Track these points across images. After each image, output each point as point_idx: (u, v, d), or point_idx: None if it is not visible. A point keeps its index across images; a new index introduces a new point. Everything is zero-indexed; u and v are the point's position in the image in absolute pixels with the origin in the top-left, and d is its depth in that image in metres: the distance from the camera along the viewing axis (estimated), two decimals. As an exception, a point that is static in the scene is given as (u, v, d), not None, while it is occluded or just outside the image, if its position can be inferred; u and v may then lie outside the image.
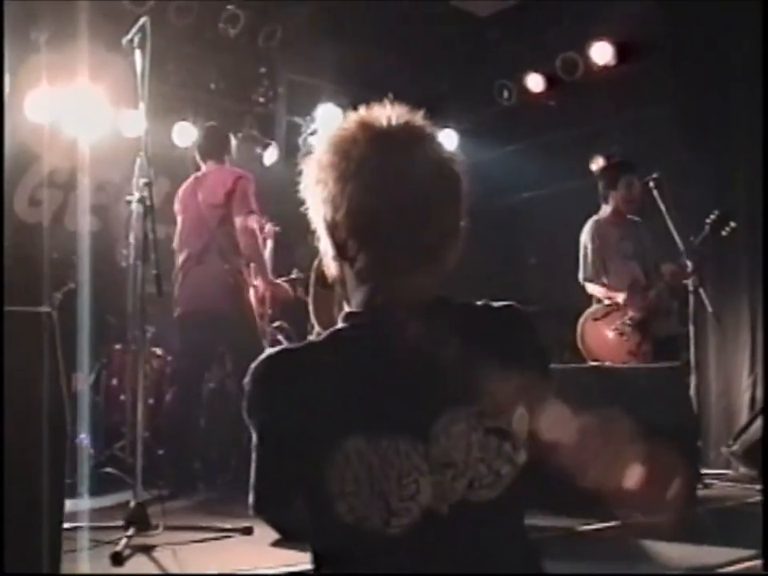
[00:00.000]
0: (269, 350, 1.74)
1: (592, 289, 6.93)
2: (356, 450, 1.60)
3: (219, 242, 6.36)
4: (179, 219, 6.66)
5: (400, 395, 1.64)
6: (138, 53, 4.85)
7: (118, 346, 7.02)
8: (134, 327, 6.04)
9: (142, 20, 4.83)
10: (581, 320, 6.80)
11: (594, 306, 6.89)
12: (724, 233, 6.60)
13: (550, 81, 8.93)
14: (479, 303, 1.81)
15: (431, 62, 8.94)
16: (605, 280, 6.88)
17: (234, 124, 8.59)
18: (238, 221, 6.34)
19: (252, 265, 6.53)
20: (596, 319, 6.76)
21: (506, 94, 9.27)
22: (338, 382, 1.65)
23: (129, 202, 4.82)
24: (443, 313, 1.74)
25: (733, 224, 6.57)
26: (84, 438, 6.69)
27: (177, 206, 6.71)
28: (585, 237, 7.03)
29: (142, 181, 4.69)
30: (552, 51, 8.81)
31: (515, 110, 9.28)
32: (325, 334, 1.76)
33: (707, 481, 6.27)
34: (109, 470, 6.14)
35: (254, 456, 1.71)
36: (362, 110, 1.75)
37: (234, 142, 6.90)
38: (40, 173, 7.84)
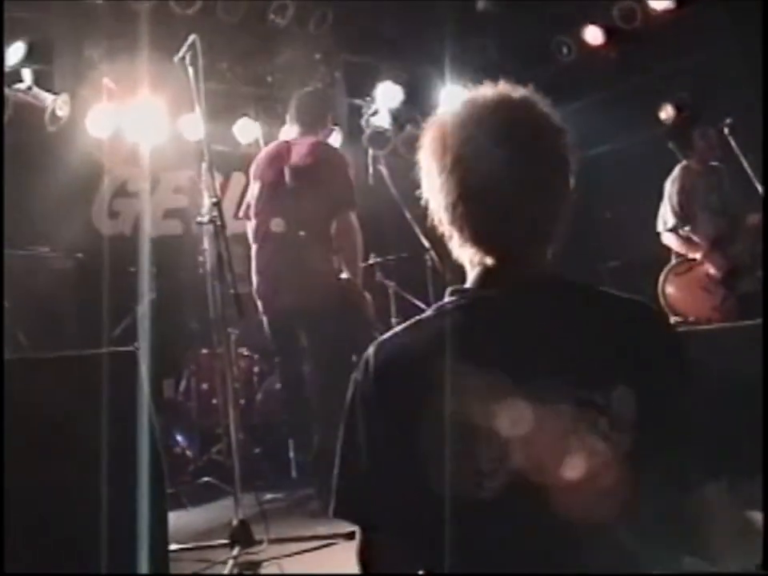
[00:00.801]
0: (379, 338, 1.82)
1: (669, 239, 6.76)
2: (450, 412, 1.63)
3: (305, 224, 5.61)
4: (256, 185, 5.94)
5: (493, 361, 1.65)
6: (190, 69, 4.82)
7: (204, 351, 7.08)
8: (218, 331, 6.05)
9: (192, 38, 4.80)
10: (662, 275, 6.67)
11: (675, 260, 6.74)
12: None
13: (609, 32, 8.66)
14: (602, 289, 1.82)
15: (486, 27, 8.78)
16: (687, 231, 6.71)
17: (295, 113, 8.58)
18: (341, 216, 5.60)
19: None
20: (678, 274, 6.63)
21: (564, 50, 9.04)
22: (438, 350, 1.68)
23: (199, 224, 4.81)
24: (552, 289, 1.77)
25: None
26: (182, 440, 6.84)
27: (254, 171, 6.02)
28: (671, 184, 6.84)
29: (211, 200, 4.66)
30: (608, 1, 8.58)
31: (576, 65, 9.02)
32: (431, 309, 1.82)
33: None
34: (207, 479, 6.21)
35: (352, 452, 1.77)
36: (461, 93, 1.78)
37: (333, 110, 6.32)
38: (112, 184, 7.92)
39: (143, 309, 6.81)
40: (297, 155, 5.77)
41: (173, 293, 7.25)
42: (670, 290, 6.62)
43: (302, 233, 5.58)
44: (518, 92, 1.76)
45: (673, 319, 6.47)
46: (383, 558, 1.79)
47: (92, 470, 3.59)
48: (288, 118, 6.16)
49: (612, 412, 1.61)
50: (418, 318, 1.83)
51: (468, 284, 1.80)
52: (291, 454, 6.87)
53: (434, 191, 1.76)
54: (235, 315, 5.20)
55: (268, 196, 5.81)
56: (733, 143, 6.50)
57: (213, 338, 6.68)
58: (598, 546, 1.61)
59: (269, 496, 6.00)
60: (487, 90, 1.76)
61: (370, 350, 1.79)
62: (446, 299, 1.80)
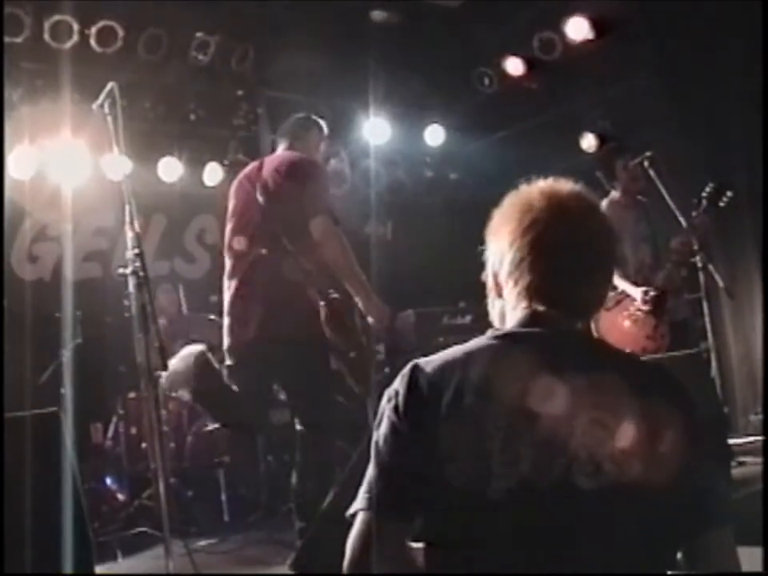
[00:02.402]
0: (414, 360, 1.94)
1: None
2: (470, 414, 1.78)
3: (280, 246, 5.00)
4: (230, 205, 5.42)
5: (518, 379, 1.80)
6: (109, 119, 4.73)
7: (132, 395, 6.98)
8: (145, 375, 5.93)
9: (110, 85, 4.70)
10: (594, 312, 6.68)
11: (606, 296, 6.76)
12: (722, 203, 6.47)
13: (530, 63, 8.74)
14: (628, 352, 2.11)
15: (408, 60, 8.81)
16: (620, 268, 6.69)
17: (219, 151, 8.52)
18: (316, 224, 4.99)
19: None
20: (608, 309, 6.63)
21: (486, 81, 9.12)
22: (470, 366, 1.85)
23: (122, 275, 4.67)
24: (580, 336, 2.02)
25: (730, 194, 6.44)
26: (112, 485, 6.74)
27: (231, 193, 5.48)
28: None
29: (133, 252, 4.54)
30: (528, 33, 8.63)
31: (498, 96, 9.10)
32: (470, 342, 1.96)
33: (741, 459, 6.12)
34: (140, 529, 6.10)
35: (386, 457, 1.86)
36: (543, 182, 2.02)
37: (321, 133, 5.74)
38: (32, 228, 7.79)
39: (68, 353, 6.72)
40: (267, 169, 5.24)
41: (99, 337, 7.15)
42: (601, 326, 6.59)
43: (274, 252, 4.99)
44: (592, 198, 2.03)
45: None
46: (387, 537, 1.84)
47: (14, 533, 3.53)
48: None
49: (622, 437, 1.75)
50: (456, 347, 1.97)
51: (508, 325, 1.99)
52: (223, 497, 6.82)
53: (503, 244, 1.96)
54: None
55: (240, 220, 5.28)
56: (654, 176, 6.54)
57: (140, 382, 6.57)
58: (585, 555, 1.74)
59: (202, 543, 5.94)
60: (567, 185, 2.00)
61: (407, 367, 1.92)
62: (486, 335, 1.96)
